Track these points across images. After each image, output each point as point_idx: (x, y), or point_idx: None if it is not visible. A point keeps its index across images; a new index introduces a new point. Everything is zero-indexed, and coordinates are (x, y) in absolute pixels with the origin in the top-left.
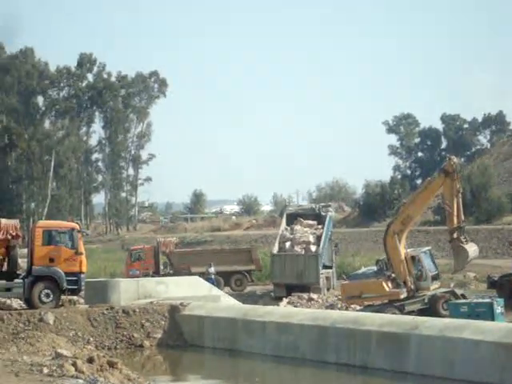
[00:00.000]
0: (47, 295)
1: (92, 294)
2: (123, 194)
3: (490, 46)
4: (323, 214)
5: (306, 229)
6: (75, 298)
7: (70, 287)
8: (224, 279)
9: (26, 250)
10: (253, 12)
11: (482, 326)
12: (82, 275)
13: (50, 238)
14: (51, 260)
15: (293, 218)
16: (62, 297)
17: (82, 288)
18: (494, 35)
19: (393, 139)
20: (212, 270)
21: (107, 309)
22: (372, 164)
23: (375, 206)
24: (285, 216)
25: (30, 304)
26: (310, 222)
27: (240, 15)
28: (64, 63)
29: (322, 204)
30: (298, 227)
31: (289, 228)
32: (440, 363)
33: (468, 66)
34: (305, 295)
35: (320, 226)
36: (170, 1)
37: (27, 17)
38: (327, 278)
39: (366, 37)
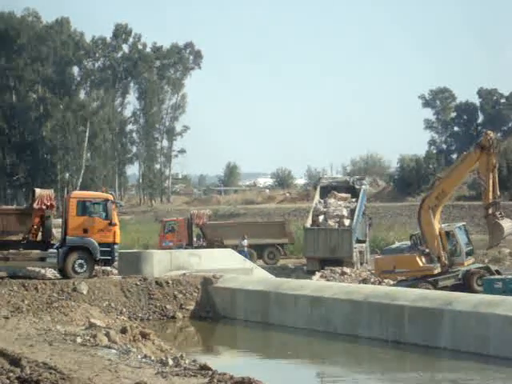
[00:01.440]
0: (81, 265)
1: (125, 264)
2: (157, 166)
3: None
4: (357, 187)
5: (339, 202)
6: (109, 268)
7: (103, 258)
8: (257, 252)
9: (60, 220)
10: None
11: None
12: (116, 246)
13: (84, 208)
14: (85, 230)
15: (326, 191)
16: (96, 267)
17: (116, 259)
18: None
19: (429, 113)
20: (245, 242)
21: (140, 280)
22: (407, 138)
23: (410, 180)
24: (318, 188)
25: (63, 274)
26: (344, 195)
27: None
28: (100, 34)
29: (357, 177)
30: (331, 200)
31: (322, 201)
32: (474, 339)
33: (505, 41)
34: (338, 269)
35: (354, 200)
36: None
37: None
38: (360, 253)
39: (404, 10)
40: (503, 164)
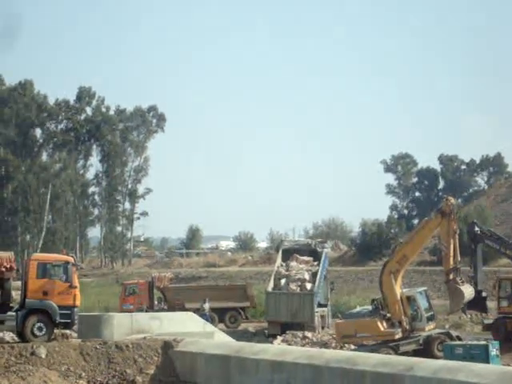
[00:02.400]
0: (40, 328)
1: (85, 328)
2: (119, 228)
3: (489, 87)
4: (319, 250)
5: (301, 265)
6: (68, 331)
7: (63, 321)
8: (218, 316)
9: (20, 283)
10: (254, 45)
11: (476, 368)
12: (76, 309)
13: (44, 270)
14: (45, 293)
15: (288, 254)
16: (55, 330)
17: (76, 322)
18: (494, 76)
19: (390, 178)
20: (206, 306)
21: (100, 343)
22: (369, 203)
23: (372, 244)
24: (280, 251)
25: (22, 337)
26: (306, 258)
27: (241, 49)
28: (63, 96)
29: (318, 240)
30: (293, 263)
31: (284, 264)
32: None
33: (466, 108)
34: (299, 333)
35: (316, 263)
36: (170, 35)
37: (27, 49)
38: (322, 317)
39: (365, 74)
40: (464, 230)
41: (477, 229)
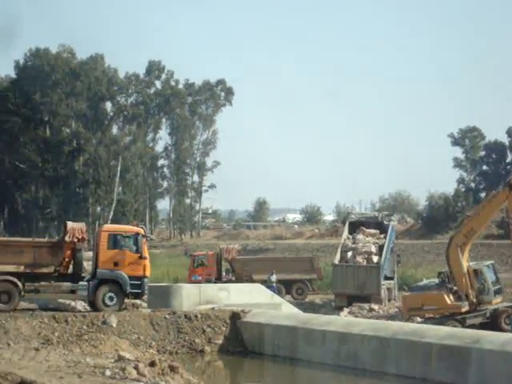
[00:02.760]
0: (111, 298)
1: (155, 298)
2: (187, 201)
3: None
4: (386, 222)
5: (368, 238)
6: (138, 301)
7: (133, 291)
8: (285, 287)
9: (91, 253)
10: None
11: None
12: (146, 279)
13: (115, 241)
14: (116, 264)
15: (355, 227)
16: (126, 300)
17: (146, 292)
18: None
19: (458, 152)
20: (273, 277)
21: (169, 313)
22: (436, 176)
23: (438, 218)
24: (347, 224)
25: (93, 306)
26: (373, 230)
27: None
28: (133, 70)
29: (385, 213)
30: (360, 236)
31: (351, 237)
32: (501, 378)
33: None
34: (366, 306)
35: (382, 236)
36: (238, 11)
37: (98, 25)
38: (388, 289)
39: (432, 49)
40: None
41: None
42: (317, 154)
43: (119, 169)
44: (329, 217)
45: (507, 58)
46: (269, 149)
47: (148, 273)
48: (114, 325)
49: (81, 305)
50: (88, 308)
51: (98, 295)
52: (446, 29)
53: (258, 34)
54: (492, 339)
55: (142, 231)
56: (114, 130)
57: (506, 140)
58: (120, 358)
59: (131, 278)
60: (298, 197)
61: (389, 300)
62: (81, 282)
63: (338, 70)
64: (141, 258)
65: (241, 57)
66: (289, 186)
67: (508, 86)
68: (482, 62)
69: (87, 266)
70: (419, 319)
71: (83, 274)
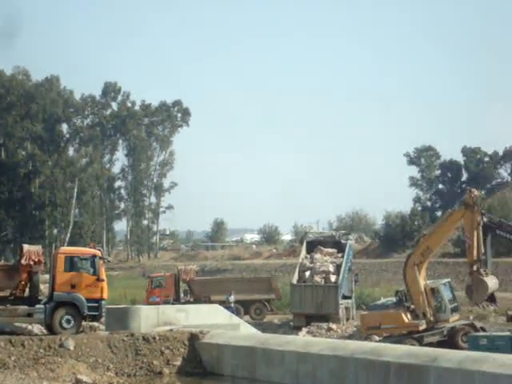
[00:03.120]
0: (68, 321)
1: (112, 320)
2: (145, 222)
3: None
4: (343, 241)
5: (325, 257)
6: (96, 324)
7: (90, 313)
8: (244, 308)
9: (48, 276)
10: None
11: (501, 359)
12: (103, 302)
13: (71, 264)
14: (73, 286)
15: (313, 246)
16: (83, 323)
17: (103, 314)
18: None
19: (414, 171)
20: (232, 298)
21: (127, 335)
22: (392, 195)
23: (395, 237)
24: (305, 243)
25: (50, 330)
26: (330, 250)
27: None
28: (89, 92)
29: (342, 231)
30: (317, 256)
31: (309, 256)
32: None
33: (488, 100)
34: (324, 325)
35: (340, 255)
36: (193, 31)
37: (53, 46)
38: (346, 309)
39: (386, 66)
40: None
41: (485, 219)
42: (274, 173)
43: (76, 191)
44: (287, 237)
45: (461, 78)
46: (226, 169)
47: (105, 295)
48: (72, 348)
49: (38, 328)
50: (45, 331)
51: (55, 318)
52: (401, 46)
53: (214, 55)
54: (450, 357)
55: (99, 253)
56: (71, 151)
57: (461, 159)
58: (77, 382)
59: (88, 300)
60: (256, 217)
61: (347, 319)
62: (37, 305)
63: (291, 91)
64: (98, 280)
65: (195, 78)
66: (246, 206)
67: (462, 105)
68: (437, 82)
69: (44, 288)
70: (377, 338)
71: (40, 297)
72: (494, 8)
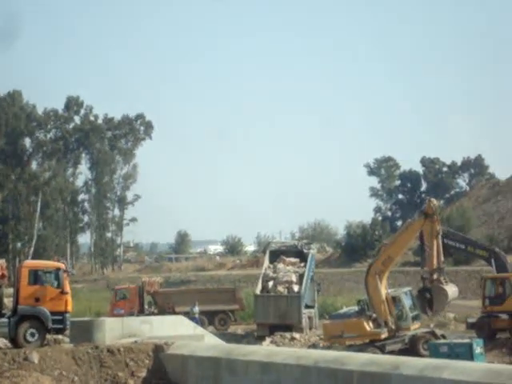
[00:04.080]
0: (32, 334)
1: (77, 333)
2: (109, 234)
3: (469, 89)
4: (305, 251)
5: (288, 267)
6: (60, 337)
7: (55, 326)
8: (208, 318)
9: (12, 290)
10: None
11: (461, 366)
12: (68, 314)
13: (35, 277)
14: (37, 299)
15: (276, 256)
16: (47, 336)
17: (67, 327)
18: (474, 78)
19: (374, 181)
20: (196, 309)
21: (92, 348)
22: (353, 206)
23: (357, 246)
24: (268, 253)
25: (15, 343)
26: (293, 259)
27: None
28: (51, 106)
29: (305, 241)
30: (280, 265)
31: (272, 266)
32: None
33: (446, 110)
34: (287, 335)
35: (302, 264)
36: (157, 46)
37: (15, 59)
38: (309, 318)
39: (347, 77)
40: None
41: None
42: (236, 185)
43: (39, 204)
44: (250, 247)
45: (419, 89)
46: (189, 181)
47: (70, 308)
48: (36, 361)
49: (1, 342)
50: (9, 345)
51: (19, 332)
52: (357, 58)
53: (176, 68)
54: (411, 365)
55: (63, 266)
56: (34, 165)
57: (420, 169)
58: None
59: (53, 313)
60: (219, 228)
61: (310, 328)
62: (1, 319)
63: (249, 104)
64: (62, 293)
65: (157, 92)
66: (210, 218)
67: (422, 116)
68: (395, 93)
69: (8, 302)
70: (340, 346)
71: (4, 311)
72: (445, 21)
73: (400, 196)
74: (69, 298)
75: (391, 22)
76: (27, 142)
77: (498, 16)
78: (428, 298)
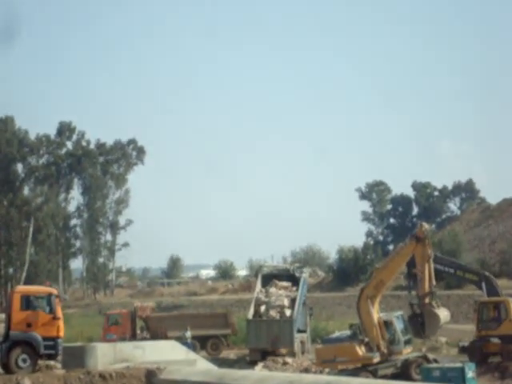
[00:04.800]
0: (24, 360)
1: (69, 358)
2: (101, 259)
3: (461, 114)
4: (298, 275)
5: (280, 291)
6: (52, 362)
7: (47, 352)
8: (200, 343)
9: (3, 315)
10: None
11: None
12: (60, 340)
13: (27, 303)
14: (29, 325)
15: (268, 279)
16: (39, 362)
17: (59, 353)
18: (464, 103)
19: (365, 205)
20: (188, 334)
21: (84, 373)
22: (345, 230)
23: (349, 271)
24: (260, 277)
25: (6, 369)
26: (285, 283)
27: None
28: (44, 131)
29: (297, 264)
30: (272, 289)
31: (264, 290)
32: None
33: (438, 135)
34: (280, 359)
35: (294, 288)
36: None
37: (7, 86)
38: (302, 342)
39: (337, 101)
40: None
41: None
42: (228, 210)
43: (31, 229)
44: (242, 272)
45: (410, 115)
46: (181, 206)
47: (62, 333)
48: None
49: None
50: (1, 370)
51: (11, 357)
52: (346, 83)
53: (166, 94)
54: None
55: (55, 291)
56: (26, 190)
57: (411, 193)
58: None
59: (45, 339)
60: (211, 253)
61: (302, 353)
62: None
63: (237, 131)
64: (54, 318)
65: (150, 117)
66: (202, 243)
67: (412, 140)
68: (386, 118)
69: (0, 328)
70: (332, 371)
71: None
72: (434, 46)
73: (392, 220)
74: (61, 323)
75: (377, 46)
76: (19, 167)
77: (486, 40)
78: (420, 322)
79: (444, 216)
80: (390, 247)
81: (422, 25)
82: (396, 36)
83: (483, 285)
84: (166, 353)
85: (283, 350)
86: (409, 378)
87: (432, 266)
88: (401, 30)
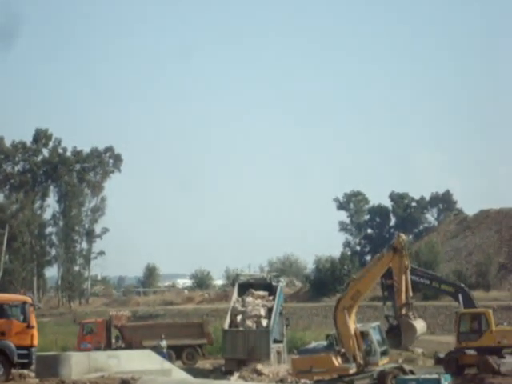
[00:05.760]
0: None
1: (43, 367)
2: (76, 268)
3: (437, 125)
4: (274, 284)
5: (257, 301)
6: (26, 371)
7: (20, 361)
8: (175, 353)
9: None
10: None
11: None
12: (33, 349)
13: (1, 311)
14: (2, 333)
15: (244, 288)
16: (13, 370)
17: (33, 362)
18: (441, 114)
19: (343, 216)
20: (164, 343)
21: (58, 383)
22: (323, 240)
23: (325, 281)
24: (236, 286)
25: None
26: (262, 292)
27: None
28: (20, 138)
29: (273, 273)
30: (249, 299)
31: (240, 299)
32: None
33: (415, 146)
34: (256, 369)
35: (271, 298)
36: (127, 75)
37: None
38: (278, 353)
39: (317, 112)
40: (415, 266)
41: None
42: (205, 219)
43: (6, 237)
44: (218, 281)
45: (389, 126)
46: (157, 215)
47: (36, 342)
48: None
49: None
50: None
51: None
52: (328, 94)
53: (143, 100)
54: None
55: (29, 300)
56: (1, 197)
57: (389, 204)
58: None
59: (18, 347)
60: (188, 262)
61: (278, 363)
62: None
63: (215, 140)
64: (28, 327)
65: (126, 124)
66: (178, 252)
67: (390, 150)
68: (365, 129)
69: None
70: (308, 382)
71: None
72: (415, 59)
73: (369, 230)
74: (35, 332)
75: (350, 58)
76: None
77: (461, 52)
78: (397, 334)
79: (421, 227)
80: (368, 258)
81: (391, 38)
82: (368, 48)
83: (460, 296)
84: (141, 362)
85: (258, 361)
86: None
87: (409, 277)
88: (373, 42)
